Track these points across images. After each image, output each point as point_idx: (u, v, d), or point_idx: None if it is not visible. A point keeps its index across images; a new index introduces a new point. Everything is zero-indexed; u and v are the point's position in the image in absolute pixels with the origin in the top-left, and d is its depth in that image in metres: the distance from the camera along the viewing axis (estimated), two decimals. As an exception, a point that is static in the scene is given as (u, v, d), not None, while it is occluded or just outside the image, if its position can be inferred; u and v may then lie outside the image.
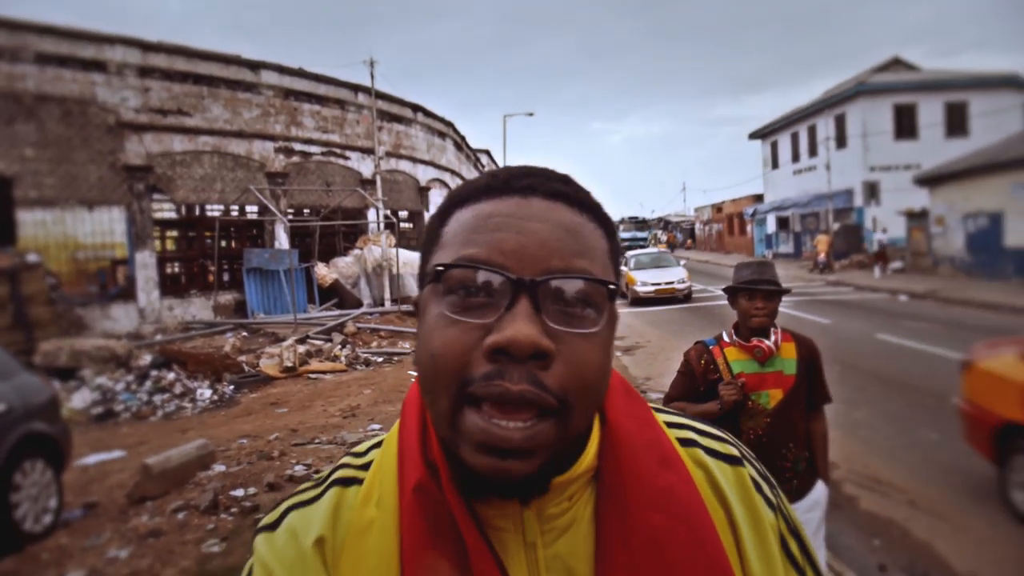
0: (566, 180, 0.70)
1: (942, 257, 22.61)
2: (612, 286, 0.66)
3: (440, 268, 0.64)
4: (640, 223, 54.72)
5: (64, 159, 13.57)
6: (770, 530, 0.73)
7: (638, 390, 0.80)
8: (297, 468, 5.87)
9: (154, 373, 10.43)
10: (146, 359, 11.06)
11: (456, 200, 0.70)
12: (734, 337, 2.83)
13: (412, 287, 17.67)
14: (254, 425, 7.90)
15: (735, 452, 0.77)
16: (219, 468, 6.02)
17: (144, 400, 9.69)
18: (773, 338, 2.78)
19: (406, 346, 13.01)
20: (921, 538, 4.47)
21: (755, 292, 2.75)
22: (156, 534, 4.74)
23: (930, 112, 30.97)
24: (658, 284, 18.88)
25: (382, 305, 17.03)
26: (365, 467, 0.74)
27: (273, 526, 0.71)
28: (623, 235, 47.89)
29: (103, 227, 14.16)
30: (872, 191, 28.44)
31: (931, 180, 23.27)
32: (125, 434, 8.25)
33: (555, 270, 0.63)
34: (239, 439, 7.13)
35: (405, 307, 16.55)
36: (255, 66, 16.76)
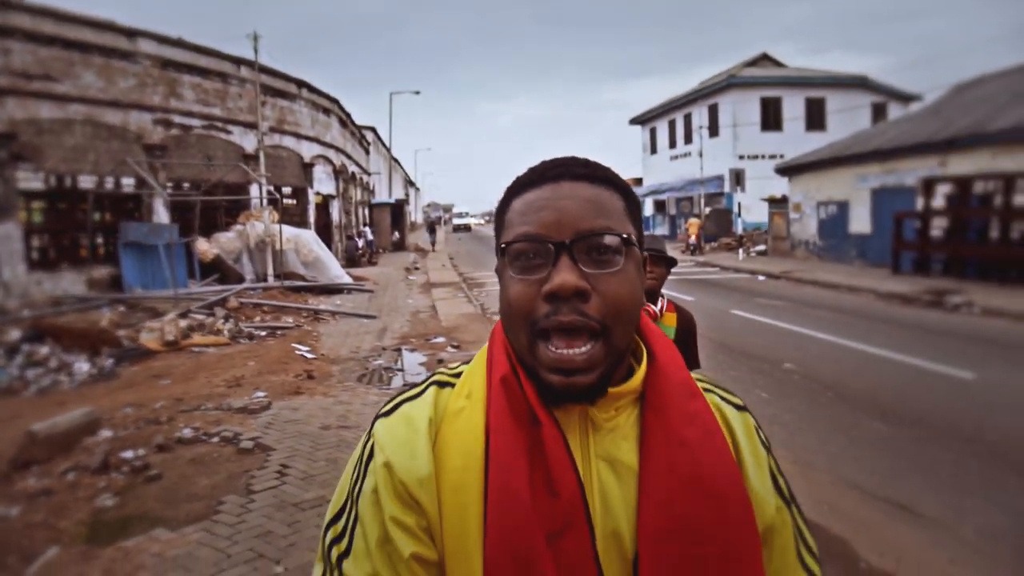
0: (586, 163, 0.91)
1: (799, 241, 24.63)
2: (625, 235, 0.86)
3: (503, 245, 0.87)
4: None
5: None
6: (765, 464, 0.93)
7: None
8: (185, 431, 6.13)
9: (25, 347, 10.19)
10: (15, 334, 10.75)
11: (512, 192, 0.93)
12: None
13: (295, 263, 17.66)
14: (138, 396, 7.99)
15: (740, 402, 0.98)
16: (106, 434, 6.19)
17: (15, 375, 9.49)
18: (660, 304, 3.03)
19: (289, 320, 13.16)
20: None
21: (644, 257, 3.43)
22: (47, 493, 4.94)
23: (793, 106, 33.35)
24: None
25: (265, 280, 16.97)
26: (456, 375, 0.96)
27: (388, 414, 0.93)
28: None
29: (-37, 197, 13.44)
30: (738, 178, 30.40)
31: (790, 170, 25.22)
32: (-1, 408, 8.14)
33: (583, 231, 0.83)
34: (124, 408, 7.25)
35: (289, 283, 16.59)
36: (131, 34, 16.16)
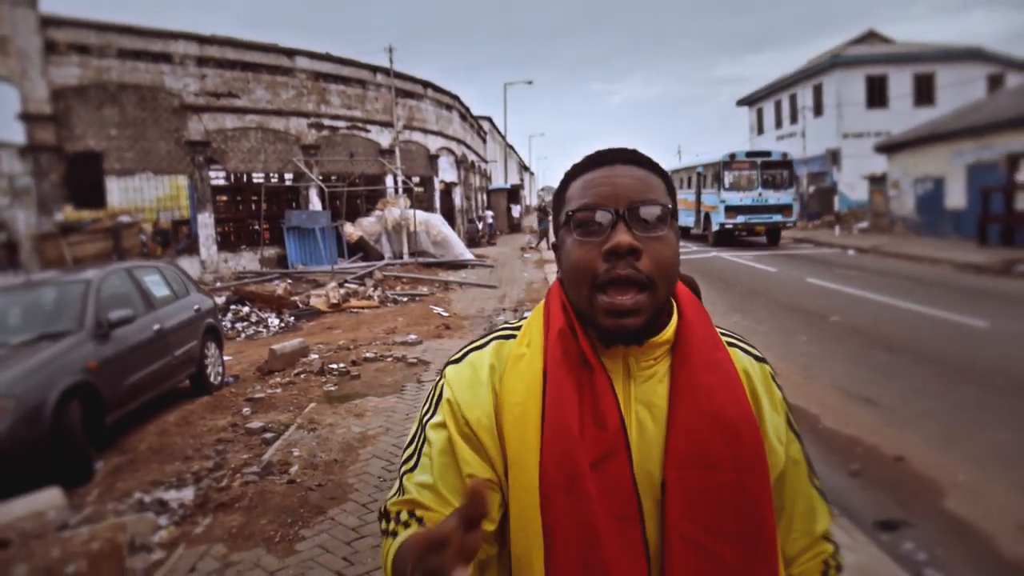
0: (635, 152, 1.09)
1: (897, 217, 25.29)
2: (668, 206, 1.05)
3: (570, 213, 1.05)
4: None
5: (140, 136, 16.40)
6: (781, 407, 1.12)
7: None
8: (367, 354, 8.83)
9: (233, 307, 13.39)
10: (222, 298, 14.00)
11: (570, 176, 1.12)
12: None
13: (426, 242, 20.54)
14: (322, 339, 10.83)
15: (759, 354, 1.16)
16: (314, 356, 8.98)
17: (228, 327, 12.62)
18: None
19: (424, 289, 15.92)
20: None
21: None
22: (290, 385, 7.70)
23: (900, 83, 33.32)
24: None
25: (401, 258, 19.93)
26: (517, 328, 1.15)
27: (458, 361, 1.14)
28: None
29: (172, 192, 17.04)
30: (834, 158, 31.00)
31: (889, 148, 25.87)
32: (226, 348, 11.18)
33: (635, 201, 1.02)
34: (316, 344, 10.07)
35: (422, 259, 19.47)
36: (291, 53, 19.46)
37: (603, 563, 0.98)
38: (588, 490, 0.98)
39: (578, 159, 1.13)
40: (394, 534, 1.02)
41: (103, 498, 4.94)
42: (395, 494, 1.08)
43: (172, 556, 3.90)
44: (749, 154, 24.12)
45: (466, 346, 1.17)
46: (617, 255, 0.99)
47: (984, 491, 4.65)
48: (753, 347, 1.18)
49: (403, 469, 1.10)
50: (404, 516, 1.04)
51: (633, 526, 1.00)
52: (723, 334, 1.14)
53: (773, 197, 22.90)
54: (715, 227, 23.56)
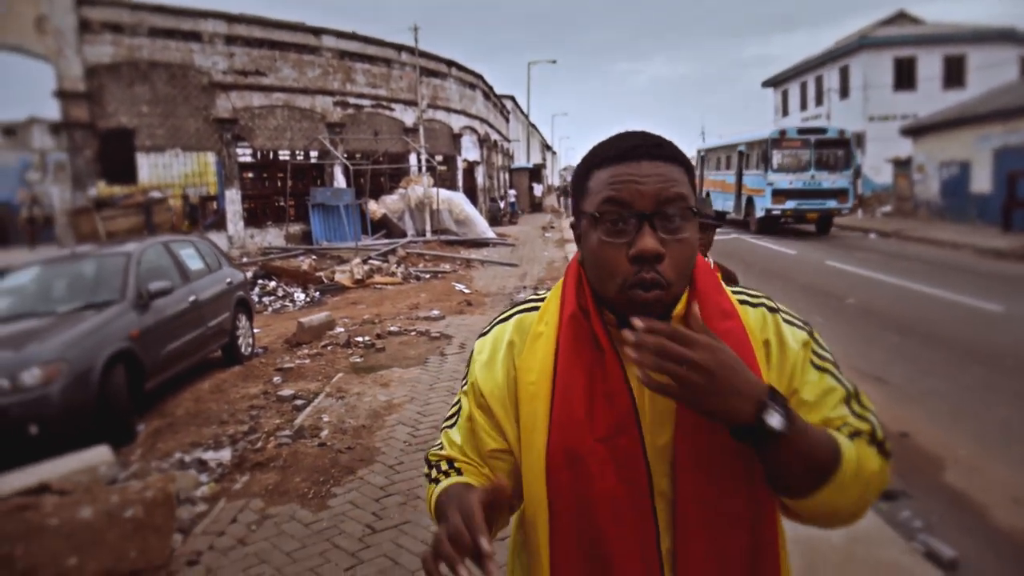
0: (660, 143, 1.10)
1: (921, 201, 25.11)
2: (694, 209, 1.08)
3: (596, 214, 1.08)
4: None
5: (170, 114, 16.76)
6: (798, 346, 1.15)
7: None
8: (392, 328, 9.13)
9: (260, 282, 13.76)
10: (250, 272, 14.36)
11: (592, 163, 1.12)
12: None
13: (448, 220, 20.80)
14: (347, 313, 11.14)
15: (772, 304, 1.20)
16: (340, 330, 9.29)
17: (256, 301, 12.98)
18: None
19: (446, 267, 16.20)
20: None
21: None
22: (318, 356, 8.02)
23: (929, 64, 32.85)
24: None
25: (424, 236, 20.21)
26: (541, 300, 1.23)
27: (485, 333, 1.26)
28: None
29: (200, 168, 17.42)
30: (858, 141, 30.73)
31: (914, 131, 25.64)
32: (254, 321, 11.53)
33: (661, 203, 1.05)
34: (342, 318, 10.38)
35: (444, 237, 19.74)
36: (317, 32, 19.69)
37: (598, 531, 1.08)
38: (590, 468, 1.07)
39: (602, 139, 1.17)
40: (436, 480, 1.21)
41: (146, 457, 5.28)
42: (437, 446, 1.28)
43: (214, 509, 4.22)
44: (801, 131, 21.53)
45: (495, 318, 1.28)
46: (643, 260, 1.03)
47: (983, 466, 4.84)
48: (766, 298, 1.21)
49: (444, 425, 1.28)
50: (444, 466, 1.22)
51: (641, 491, 1.08)
52: (735, 292, 1.21)
53: (827, 180, 20.42)
54: (759, 213, 21.06)
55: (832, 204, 20.53)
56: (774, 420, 0.97)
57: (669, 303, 1.09)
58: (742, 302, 1.19)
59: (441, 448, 1.26)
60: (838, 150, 20.90)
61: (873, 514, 4.04)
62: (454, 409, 1.27)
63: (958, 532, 4.03)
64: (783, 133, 20.98)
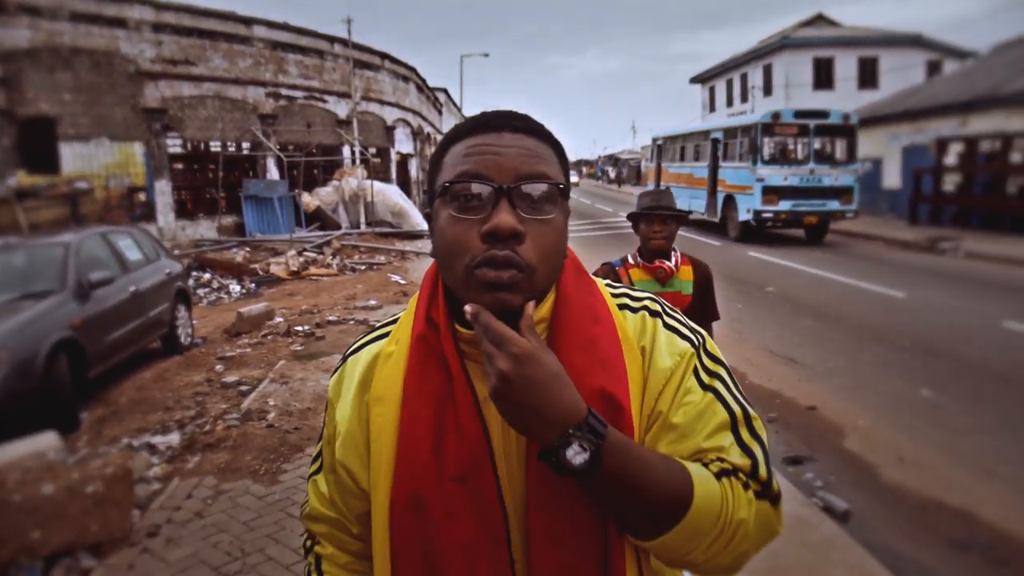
0: (526, 118, 0.96)
1: (837, 195, 26.45)
2: (561, 186, 0.92)
3: (447, 184, 0.91)
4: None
5: (95, 102, 16.33)
6: (673, 359, 0.98)
7: None
8: (330, 317, 9.29)
9: (195, 274, 13.64)
10: (185, 264, 14.20)
11: (451, 138, 0.97)
12: (638, 259, 3.06)
13: (383, 212, 20.88)
14: (284, 304, 11.21)
15: (657, 308, 1.04)
16: (279, 319, 9.40)
17: (192, 293, 12.88)
18: (673, 260, 3.03)
19: (381, 258, 16.33)
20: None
21: (653, 217, 2.96)
22: (259, 345, 8.14)
23: (846, 66, 34.48)
24: None
25: (358, 227, 20.25)
26: (393, 321, 1.08)
27: (345, 359, 1.10)
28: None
29: (126, 159, 17.05)
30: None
31: (831, 128, 26.95)
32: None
33: (523, 175, 0.90)
34: (280, 309, 10.46)
35: (379, 229, 19.83)
36: (248, 21, 19.44)
37: None
38: (437, 514, 0.92)
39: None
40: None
41: (93, 443, 5.37)
42: (306, 502, 1.15)
43: (169, 486, 4.39)
44: (799, 114, 17.47)
45: (347, 349, 1.13)
46: (497, 238, 0.87)
47: (876, 432, 5.40)
48: (650, 301, 1.06)
49: (311, 471, 1.15)
50: (312, 561, 1.15)
51: (498, 538, 0.93)
52: (617, 295, 1.06)
53: (829, 176, 16.71)
54: (743, 215, 17.14)
55: (835, 205, 16.84)
56: (572, 454, 0.82)
57: (529, 293, 0.90)
58: (622, 306, 1.04)
59: (307, 503, 1.13)
60: (842, 139, 17.68)
61: (781, 478, 4.52)
62: (317, 451, 1.13)
63: (852, 489, 4.54)
64: (776, 116, 17.08)
